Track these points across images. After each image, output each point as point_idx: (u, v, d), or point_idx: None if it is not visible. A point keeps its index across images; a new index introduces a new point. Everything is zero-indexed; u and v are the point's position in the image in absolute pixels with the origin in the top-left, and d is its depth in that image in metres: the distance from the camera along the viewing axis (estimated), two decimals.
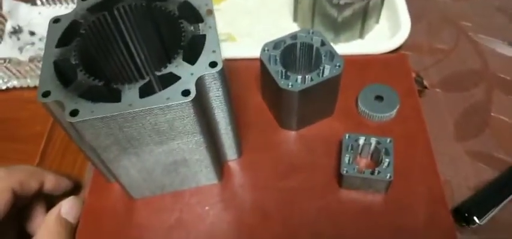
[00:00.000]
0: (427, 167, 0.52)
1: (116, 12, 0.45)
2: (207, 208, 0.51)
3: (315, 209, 0.50)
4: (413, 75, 0.61)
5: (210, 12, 0.44)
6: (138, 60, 0.51)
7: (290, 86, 0.49)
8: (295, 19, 0.71)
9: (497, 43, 0.69)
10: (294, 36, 0.53)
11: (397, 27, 0.66)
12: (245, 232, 0.49)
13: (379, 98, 0.56)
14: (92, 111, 0.37)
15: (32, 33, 0.74)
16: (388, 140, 0.50)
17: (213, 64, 0.39)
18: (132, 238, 0.50)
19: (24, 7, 0.76)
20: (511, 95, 0.62)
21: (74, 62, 0.40)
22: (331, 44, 0.52)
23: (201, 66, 0.39)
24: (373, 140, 0.50)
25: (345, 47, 0.65)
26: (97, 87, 0.38)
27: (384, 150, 0.49)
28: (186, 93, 0.37)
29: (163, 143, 0.42)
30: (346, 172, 0.48)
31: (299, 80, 0.49)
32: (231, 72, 0.60)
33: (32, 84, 0.67)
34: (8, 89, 0.67)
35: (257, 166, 0.54)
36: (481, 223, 0.50)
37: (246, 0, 0.75)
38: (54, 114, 0.40)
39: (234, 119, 0.48)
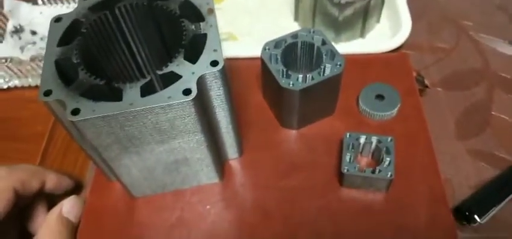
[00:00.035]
0: (428, 166, 0.52)
1: (117, 11, 0.45)
2: (208, 206, 0.51)
3: (316, 208, 0.50)
4: (414, 74, 0.61)
5: (211, 11, 0.44)
6: (139, 59, 0.51)
7: (291, 85, 0.49)
8: (296, 18, 0.71)
9: (498, 42, 0.69)
10: (294, 35, 0.53)
11: (398, 26, 0.66)
12: (246, 230, 0.50)
13: (380, 97, 0.57)
14: (93, 110, 0.37)
15: (34, 33, 0.74)
16: (389, 139, 0.50)
17: (214, 63, 0.40)
18: (134, 237, 0.50)
19: (26, 6, 0.77)
20: (511, 94, 0.62)
21: (75, 61, 0.40)
22: (332, 43, 0.52)
23: (202, 65, 0.39)
24: (374, 139, 0.50)
25: (345, 46, 0.65)
26: (98, 86, 0.38)
27: (384, 149, 0.49)
28: (187, 92, 0.37)
29: (165, 142, 0.42)
30: (347, 170, 0.48)
31: (300, 79, 0.49)
32: (232, 71, 0.60)
33: (33, 84, 0.67)
34: (9, 88, 0.67)
35: (258, 165, 0.54)
36: (482, 222, 0.50)
37: (246, 0, 0.75)
38: (55, 114, 0.41)
39: (235, 118, 0.48)
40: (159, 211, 0.51)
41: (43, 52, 0.42)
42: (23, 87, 0.67)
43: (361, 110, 0.57)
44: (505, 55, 0.67)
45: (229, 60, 0.62)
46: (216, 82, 0.41)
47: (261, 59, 0.52)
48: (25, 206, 0.50)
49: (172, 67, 0.39)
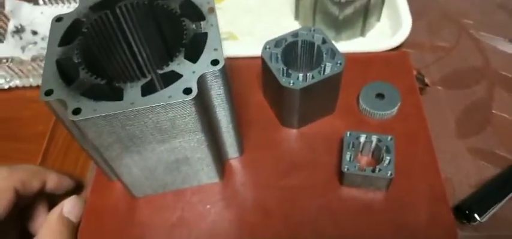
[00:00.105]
0: (428, 164, 0.52)
1: (118, 10, 0.45)
2: (208, 206, 0.51)
3: (316, 207, 0.50)
4: (415, 73, 0.61)
5: (212, 10, 0.44)
6: (140, 58, 0.51)
7: (291, 84, 0.49)
8: (296, 17, 0.71)
9: (498, 40, 0.69)
10: (295, 34, 0.53)
11: (398, 25, 0.66)
12: (246, 230, 0.50)
13: (380, 95, 0.57)
14: (94, 110, 0.37)
15: (35, 33, 0.74)
16: (389, 137, 0.50)
17: (214, 62, 0.40)
18: (134, 237, 0.50)
19: (27, 6, 0.77)
20: None
21: (76, 61, 0.41)
22: (333, 41, 0.52)
23: (202, 65, 0.40)
24: (374, 138, 0.50)
25: (346, 45, 0.65)
26: (99, 85, 0.38)
27: (385, 148, 0.49)
28: (187, 91, 0.37)
29: (165, 141, 0.42)
30: (347, 169, 0.48)
31: (300, 78, 0.49)
32: (232, 70, 0.61)
33: (34, 84, 0.67)
34: (10, 88, 0.67)
35: (258, 164, 0.54)
36: (482, 221, 0.50)
37: None
38: (56, 113, 0.41)
39: (236, 117, 0.48)
40: (159, 210, 0.51)
41: (44, 52, 0.42)
42: (24, 87, 0.67)
43: (361, 109, 0.57)
44: (505, 53, 0.67)
45: (229, 59, 0.62)
46: (216, 81, 0.41)
47: (262, 58, 0.52)
48: (26, 206, 0.50)
49: (172, 66, 0.39)
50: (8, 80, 0.67)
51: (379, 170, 0.48)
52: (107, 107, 0.37)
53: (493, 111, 0.60)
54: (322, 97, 0.53)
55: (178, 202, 0.51)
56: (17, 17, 0.75)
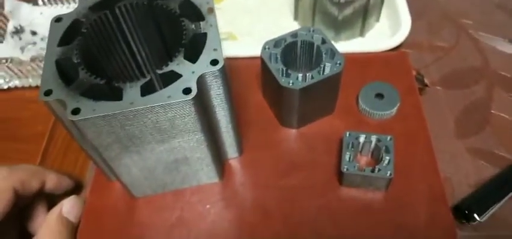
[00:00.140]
0: (427, 164, 0.52)
1: (117, 10, 0.45)
2: (208, 206, 0.51)
3: (316, 207, 0.50)
4: (414, 73, 0.61)
5: (211, 10, 0.44)
6: (139, 58, 0.51)
7: (291, 84, 0.49)
8: (295, 18, 0.71)
9: (497, 41, 0.69)
10: (294, 34, 0.53)
11: (397, 25, 0.66)
12: (246, 230, 0.50)
13: (380, 96, 0.57)
14: (93, 110, 0.37)
15: (34, 33, 0.74)
16: (389, 138, 0.50)
17: (214, 62, 0.40)
18: (134, 237, 0.50)
19: (26, 7, 0.77)
20: (511, 93, 0.62)
21: (75, 61, 0.41)
22: (332, 42, 0.52)
23: (202, 65, 0.40)
24: (374, 138, 0.50)
25: (345, 45, 0.65)
26: (99, 85, 0.38)
27: (384, 148, 0.49)
28: (187, 91, 0.37)
29: (165, 141, 0.42)
30: (347, 169, 0.48)
31: (300, 78, 0.49)
32: (231, 70, 0.61)
33: (33, 84, 0.67)
34: (9, 88, 0.67)
35: (258, 164, 0.54)
36: (481, 220, 0.50)
37: None
38: (56, 113, 0.41)
39: (235, 118, 0.48)
40: (159, 210, 0.51)
41: (43, 52, 0.42)
42: (23, 88, 0.67)
43: (360, 109, 0.57)
44: (504, 53, 0.67)
45: (229, 59, 0.62)
46: (216, 81, 0.41)
47: (261, 58, 0.52)
48: (25, 206, 0.50)
49: (172, 66, 0.39)
50: (7, 80, 0.67)
51: (379, 170, 0.48)
52: (106, 107, 0.37)
53: (492, 111, 0.60)
54: (322, 97, 0.53)
55: (177, 202, 0.51)
56: (16, 17, 0.75)
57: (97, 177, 0.53)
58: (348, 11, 0.63)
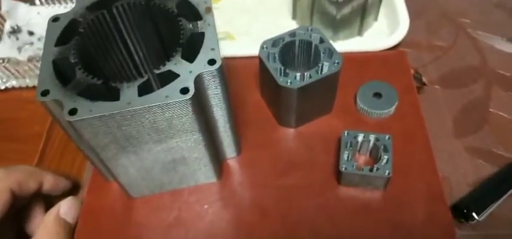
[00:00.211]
0: (425, 163, 0.52)
1: (114, 10, 0.45)
2: (206, 206, 0.51)
3: (314, 206, 0.50)
4: (412, 72, 0.61)
5: (209, 9, 0.44)
6: (136, 58, 0.51)
7: (289, 84, 0.49)
8: (294, 17, 0.71)
9: (496, 39, 0.69)
10: (292, 33, 0.53)
11: (395, 24, 0.66)
12: (244, 229, 0.49)
13: (378, 95, 0.56)
14: (90, 110, 0.37)
15: (31, 33, 0.73)
16: (387, 137, 0.50)
17: (211, 62, 0.39)
18: (131, 237, 0.50)
19: (23, 7, 0.77)
20: (509, 91, 0.62)
21: (72, 61, 0.40)
22: (330, 41, 0.52)
23: (199, 64, 0.39)
24: (372, 137, 0.50)
25: (343, 44, 0.65)
26: (96, 85, 0.38)
27: (382, 147, 0.49)
28: (184, 91, 0.37)
29: (162, 141, 0.42)
30: (345, 169, 0.48)
31: (298, 78, 0.49)
32: (229, 70, 0.60)
33: (30, 84, 0.67)
34: (6, 89, 0.67)
35: (256, 163, 0.54)
36: (480, 219, 0.50)
37: None
38: (53, 114, 0.40)
39: (233, 117, 0.48)
40: (156, 211, 0.51)
41: (40, 53, 0.42)
42: (20, 88, 0.67)
43: (359, 108, 0.57)
44: (503, 52, 0.67)
45: (226, 59, 0.62)
46: (213, 81, 0.41)
47: (259, 58, 0.52)
48: (22, 207, 0.50)
49: (169, 66, 0.39)
50: (4, 80, 0.67)
51: (377, 169, 0.48)
52: (103, 108, 0.37)
53: (491, 110, 0.61)
54: (320, 97, 0.53)
55: (175, 202, 0.51)
56: (13, 17, 0.75)
57: (94, 177, 0.53)
58: (346, 10, 0.63)
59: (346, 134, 0.51)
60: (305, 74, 0.49)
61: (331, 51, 0.51)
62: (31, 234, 0.50)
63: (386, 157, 0.48)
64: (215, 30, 0.42)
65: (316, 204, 0.50)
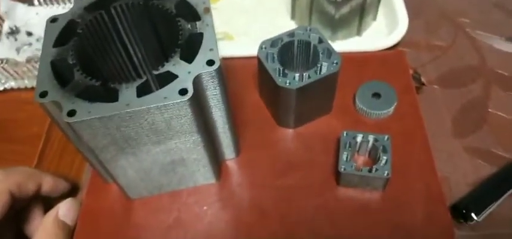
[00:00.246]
0: (425, 164, 0.52)
1: (113, 11, 0.45)
2: (205, 207, 0.51)
3: (313, 207, 0.50)
4: (411, 72, 0.61)
5: (208, 10, 0.44)
6: (135, 59, 0.51)
7: (288, 84, 0.49)
8: (292, 17, 0.71)
9: (494, 39, 0.69)
10: (291, 33, 0.53)
11: (394, 24, 0.66)
12: (243, 230, 0.49)
13: (377, 95, 0.56)
14: (89, 112, 0.36)
15: (29, 34, 0.73)
16: (386, 137, 0.50)
17: (210, 62, 0.39)
18: None
19: (22, 7, 0.76)
20: (508, 91, 0.62)
21: (71, 62, 0.40)
22: (329, 41, 0.52)
23: (198, 65, 0.39)
24: (371, 138, 0.50)
25: (342, 44, 0.65)
26: (94, 87, 0.38)
27: (381, 147, 0.49)
28: (183, 92, 0.37)
29: (161, 142, 0.42)
30: (344, 169, 0.48)
31: (297, 78, 0.49)
32: (228, 70, 0.60)
33: (29, 85, 0.67)
34: (5, 90, 0.67)
35: (255, 164, 0.54)
36: (479, 220, 0.50)
37: None
38: (51, 115, 0.40)
39: (232, 118, 0.48)
40: (155, 212, 0.51)
41: (39, 53, 0.42)
42: (19, 89, 0.67)
43: (357, 108, 0.57)
44: (501, 52, 0.67)
45: (225, 59, 0.62)
46: (212, 82, 0.41)
47: (258, 58, 0.52)
48: (21, 208, 0.50)
49: (168, 67, 0.39)
50: (3, 81, 0.67)
51: (376, 170, 0.48)
52: (101, 109, 0.37)
53: (490, 110, 0.60)
54: (319, 97, 0.53)
55: (174, 203, 0.51)
56: (11, 18, 0.75)
57: (93, 179, 0.53)
58: (345, 9, 0.63)
59: (345, 135, 0.51)
60: (304, 74, 0.49)
61: (330, 52, 0.51)
62: (30, 236, 0.50)
63: (385, 157, 0.48)
64: (214, 30, 0.42)
65: (315, 205, 0.50)
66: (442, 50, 0.68)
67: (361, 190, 0.51)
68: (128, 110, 0.37)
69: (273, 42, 0.53)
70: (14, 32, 0.73)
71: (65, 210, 0.49)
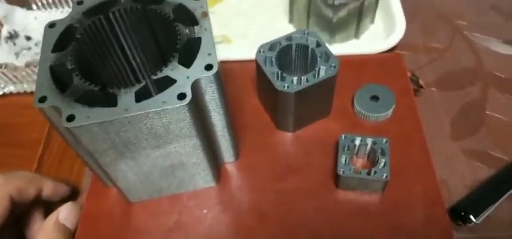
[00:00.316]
0: (423, 166, 0.52)
1: (111, 16, 0.45)
2: (205, 210, 0.51)
3: (312, 210, 0.50)
4: (409, 74, 0.61)
5: (205, 14, 0.44)
6: (134, 64, 0.51)
7: (286, 88, 0.49)
8: (290, 20, 0.72)
9: (492, 41, 0.69)
10: (289, 37, 0.54)
11: (392, 26, 0.66)
12: (243, 233, 0.50)
13: (375, 98, 0.57)
14: (88, 117, 0.37)
15: (28, 38, 0.74)
16: (384, 140, 0.50)
17: (208, 67, 0.40)
18: None
19: (20, 12, 0.76)
20: (506, 93, 0.63)
21: (70, 67, 0.40)
22: (327, 44, 0.52)
23: (196, 69, 0.40)
24: (369, 141, 0.50)
25: (340, 48, 0.65)
26: (93, 92, 0.38)
27: (380, 150, 0.49)
28: (182, 96, 0.37)
29: (160, 146, 0.42)
30: (343, 172, 0.48)
31: (295, 82, 0.49)
32: (226, 74, 0.60)
33: (28, 90, 0.67)
34: (4, 94, 0.67)
35: (254, 167, 0.54)
36: (477, 222, 0.50)
37: (240, 2, 0.75)
38: (50, 120, 0.41)
39: (231, 122, 0.48)
40: (155, 215, 0.51)
41: (38, 57, 0.42)
42: (18, 94, 0.67)
43: (356, 111, 0.57)
44: (499, 54, 0.67)
45: (223, 63, 0.62)
46: (210, 86, 0.41)
47: (256, 62, 0.52)
48: (22, 213, 0.50)
49: (166, 72, 0.39)
50: (2, 86, 0.67)
51: (375, 172, 0.48)
52: (101, 114, 0.37)
53: (487, 112, 0.61)
54: (317, 100, 0.53)
55: (174, 206, 0.51)
56: (10, 22, 0.75)
57: (93, 183, 0.53)
58: (343, 13, 0.63)
59: (343, 138, 0.51)
60: (302, 78, 0.49)
61: (327, 55, 0.51)
62: None
63: (383, 160, 0.49)
64: (212, 35, 0.42)
65: (315, 207, 0.50)
66: (440, 52, 0.68)
67: (360, 192, 0.51)
68: (127, 115, 0.37)
69: (271, 46, 0.53)
70: (12, 36, 0.74)
71: (65, 214, 0.49)
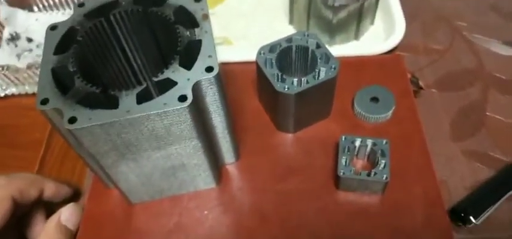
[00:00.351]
0: (423, 167, 0.52)
1: (112, 18, 0.46)
2: (205, 212, 0.51)
3: (313, 211, 0.50)
4: (409, 76, 0.61)
5: (206, 16, 0.44)
6: (135, 66, 0.51)
7: (286, 89, 0.49)
8: (291, 21, 0.72)
9: (492, 42, 0.69)
10: (289, 39, 0.54)
11: (392, 28, 0.66)
12: (244, 234, 0.50)
13: (375, 99, 0.57)
14: (89, 119, 0.37)
15: (30, 40, 0.74)
16: (384, 141, 0.50)
17: (209, 69, 0.40)
18: None
19: (22, 14, 0.77)
20: (506, 94, 0.63)
21: (71, 69, 0.41)
22: (327, 46, 0.53)
23: (197, 72, 0.40)
24: (369, 142, 0.51)
25: (340, 49, 0.65)
26: (94, 94, 0.38)
27: (380, 151, 0.50)
28: (182, 98, 0.38)
29: (161, 148, 0.42)
30: (343, 173, 0.49)
31: (295, 83, 0.50)
32: (227, 76, 0.61)
33: (30, 91, 0.67)
34: (6, 96, 0.68)
35: (255, 169, 0.54)
36: (477, 223, 0.50)
37: (240, 3, 0.76)
38: (52, 122, 0.41)
39: (231, 123, 0.48)
40: (156, 216, 0.51)
41: (39, 59, 0.42)
42: (20, 95, 0.68)
43: (356, 112, 0.57)
44: (499, 55, 0.68)
45: (224, 64, 0.62)
46: (211, 88, 0.41)
47: (256, 64, 0.52)
48: (24, 214, 0.50)
49: (167, 74, 0.40)
50: (4, 88, 0.67)
51: (375, 174, 0.48)
52: (102, 116, 0.37)
53: (487, 113, 0.61)
54: (317, 102, 0.54)
55: (175, 208, 0.52)
56: (12, 24, 0.75)
57: (95, 184, 0.54)
58: (342, 14, 0.63)
59: (343, 139, 0.51)
60: (302, 79, 0.50)
61: (328, 57, 0.51)
62: None
63: (383, 161, 0.49)
64: (212, 37, 0.42)
65: (315, 208, 0.51)
66: (440, 53, 0.68)
67: (360, 193, 0.51)
68: (128, 117, 0.37)
69: (271, 47, 0.53)
70: (14, 38, 0.74)
71: (67, 215, 0.49)
